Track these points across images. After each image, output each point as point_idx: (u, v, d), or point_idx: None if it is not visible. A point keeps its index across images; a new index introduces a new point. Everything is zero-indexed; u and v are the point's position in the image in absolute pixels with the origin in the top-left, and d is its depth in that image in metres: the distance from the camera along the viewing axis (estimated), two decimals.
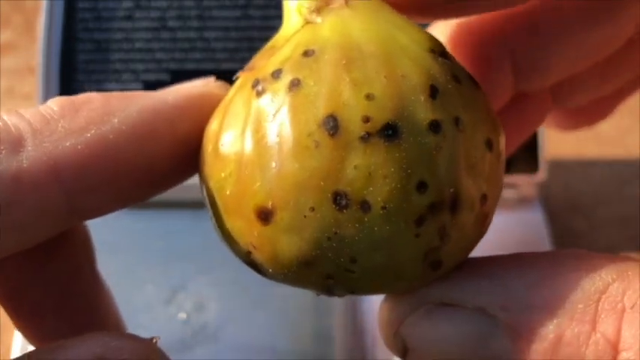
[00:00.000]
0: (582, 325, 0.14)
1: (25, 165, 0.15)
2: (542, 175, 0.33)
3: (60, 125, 0.15)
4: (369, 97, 0.14)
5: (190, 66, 0.33)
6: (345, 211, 0.14)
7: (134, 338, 0.15)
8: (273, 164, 0.14)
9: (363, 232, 0.14)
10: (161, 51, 0.33)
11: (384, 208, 0.14)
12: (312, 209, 0.14)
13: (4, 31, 0.45)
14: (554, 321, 0.14)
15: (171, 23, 0.33)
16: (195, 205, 0.33)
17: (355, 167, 0.14)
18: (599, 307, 0.14)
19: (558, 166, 0.39)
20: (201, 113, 0.16)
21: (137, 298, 0.31)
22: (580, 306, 0.14)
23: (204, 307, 0.30)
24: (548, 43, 0.20)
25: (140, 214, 0.33)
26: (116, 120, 0.16)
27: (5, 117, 0.15)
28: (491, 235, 0.34)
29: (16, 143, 0.15)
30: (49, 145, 0.15)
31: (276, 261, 0.15)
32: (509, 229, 0.33)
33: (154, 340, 0.15)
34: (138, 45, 0.33)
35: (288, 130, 0.14)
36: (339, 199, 0.14)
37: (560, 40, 0.20)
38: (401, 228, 0.14)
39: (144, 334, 0.32)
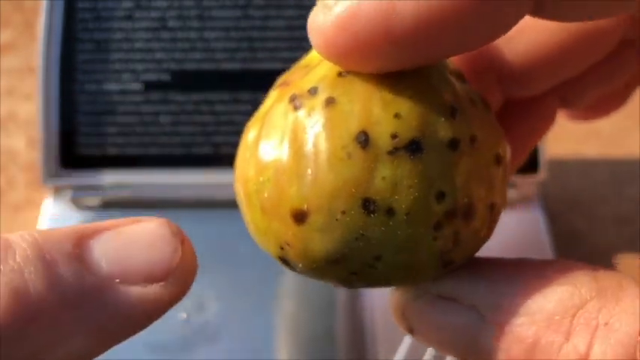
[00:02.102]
0: (557, 334, 0.15)
1: None
2: (542, 175, 0.33)
3: (7, 351, 0.14)
4: (396, 115, 0.16)
5: (190, 66, 0.33)
6: (372, 215, 0.16)
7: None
8: (309, 171, 0.16)
9: (388, 235, 0.16)
10: (161, 51, 0.33)
11: (407, 214, 0.16)
12: (344, 213, 0.16)
13: (4, 30, 0.45)
14: (533, 327, 0.16)
15: (171, 23, 0.33)
16: (196, 206, 0.33)
17: (383, 178, 0.16)
18: (575, 321, 0.15)
19: (558, 166, 0.39)
20: (152, 317, 0.16)
21: None
22: (557, 317, 0.15)
23: (204, 306, 0.30)
24: (528, 53, 0.21)
25: (141, 215, 0.33)
26: (62, 352, 0.15)
27: None
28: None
29: None
30: None
31: (308, 258, 0.17)
32: (510, 228, 0.33)
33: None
34: (138, 45, 0.33)
35: (324, 142, 0.16)
36: (367, 204, 0.16)
37: (541, 50, 0.21)
38: (421, 231, 0.16)
39: (144, 333, 0.32)
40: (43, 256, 0.15)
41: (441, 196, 0.16)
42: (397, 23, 0.15)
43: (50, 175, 0.33)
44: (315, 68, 0.17)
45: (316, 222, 0.16)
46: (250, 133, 0.17)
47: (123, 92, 0.33)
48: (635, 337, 0.14)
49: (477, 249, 0.17)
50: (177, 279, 0.16)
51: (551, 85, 0.23)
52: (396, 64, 0.16)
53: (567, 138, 0.41)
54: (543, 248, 0.33)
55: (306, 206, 0.16)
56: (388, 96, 0.16)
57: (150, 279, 0.15)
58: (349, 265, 0.16)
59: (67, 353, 0.15)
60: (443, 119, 0.16)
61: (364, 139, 0.16)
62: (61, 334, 0.15)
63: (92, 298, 0.15)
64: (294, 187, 0.16)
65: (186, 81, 0.33)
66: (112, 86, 0.33)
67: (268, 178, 0.16)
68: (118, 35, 0.33)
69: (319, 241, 0.16)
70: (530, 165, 0.33)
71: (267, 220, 0.17)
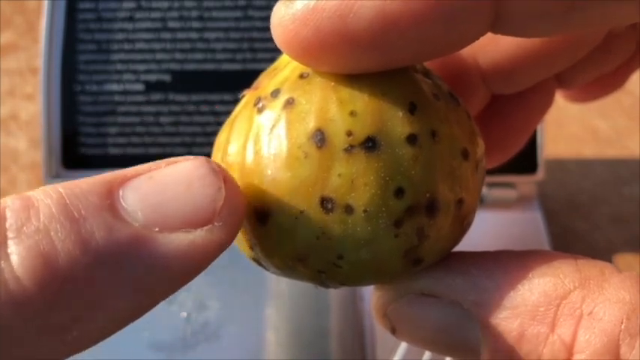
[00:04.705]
0: (542, 326, 0.15)
1: None
2: (540, 174, 0.34)
3: (38, 326, 0.13)
4: (352, 113, 0.16)
5: (191, 66, 0.33)
6: (330, 213, 0.16)
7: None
8: (269, 172, 0.16)
9: (348, 232, 0.16)
10: (162, 52, 0.33)
11: (365, 211, 0.16)
12: (302, 212, 0.16)
13: (6, 31, 0.45)
14: (518, 320, 0.16)
15: (171, 24, 0.33)
16: None
17: (339, 175, 0.16)
18: (559, 312, 0.15)
19: (557, 166, 0.39)
20: (200, 266, 0.14)
21: None
22: (541, 309, 0.15)
23: (205, 306, 0.31)
24: (509, 51, 0.22)
25: None
26: (102, 316, 0.13)
27: None
28: (490, 233, 0.34)
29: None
30: (25, 348, 0.13)
31: (274, 257, 0.17)
32: (508, 228, 0.33)
33: None
34: (139, 46, 0.33)
35: (281, 143, 0.16)
36: (325, 203, 0.16)
37: (523, 48, 0.21)
38: (381, 228, 0.16)
39: (145, 332, 0.32)
40: (71, 212, 0.13)
41: (399, 192, 0.16)
42: (354, 22, 0.15)
43: (52, 175, 0.33)
44: (281, 71, 0.17)
45: (277, 222, 0.16)
46: (221, 136, 0.18)
47: (124, 93, 0.33)
48: (618, 326, 0.15)
49: (451, 246, 0.17)
50: (225, 221, 0.14)
51: (539, 80, 0.23)
52: (357, 65, 0.16)
53: (566, 138, 0.41)
54: (542, 248, 0.33)
55: (267, 207, 0.16)
56: (346, 95, 0.16)
57: (193, 224, 0.14)
58: (314, 264, 0.16)
59: (109, 317, 0.13)
60: (400, 115, 0.16)
61: (320, 138, 0.16)
62: (99, 297, 0.13)
63: (130, 252, 0.13)
64: (256, 188, 0.16)
65: (186, 81, 0.33)
66: (114, 87, 0.33)
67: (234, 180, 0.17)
68: (119, 36, 0.33)
69: (282, 240, 0.16)
70: (529, 165, 0.33)
71: None
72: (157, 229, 0.14)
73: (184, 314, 0.30)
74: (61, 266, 0.13)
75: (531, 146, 0.33)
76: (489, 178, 0.33)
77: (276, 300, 0.31)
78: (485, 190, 0.34)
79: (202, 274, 0.32)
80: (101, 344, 0.15)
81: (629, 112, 0.41)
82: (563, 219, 0.37)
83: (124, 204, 0.14)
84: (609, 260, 0.35)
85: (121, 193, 0.14)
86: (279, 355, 0.29)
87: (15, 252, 0.13)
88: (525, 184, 0.34)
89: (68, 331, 0.13)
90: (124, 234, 0.13)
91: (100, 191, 0.14)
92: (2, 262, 0.13)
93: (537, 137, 0.33)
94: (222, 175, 0.15)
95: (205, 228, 0.14)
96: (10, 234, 0.13)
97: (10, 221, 0.13)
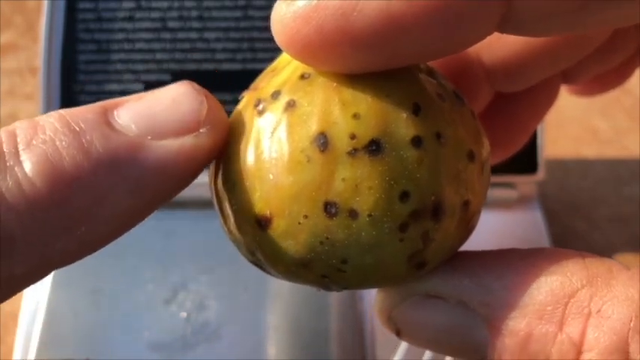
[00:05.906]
0: (550, 325, 0.15)
1: (17, 271, 0.14)
2: (541, 174, 0.34)
3: (50, 222, 0.14)
4: (355, 116, 0.16)
5: (191, 66, 0.33)
6: (334, 218, 0.15)
7: None
8: (271, 176, 0.16)
9: (352, 237, 0.16)
10: (162, 51, 0.33)
11: (370, 215, 0.15)
12: (306, 217, 0.16)
13: (6, 31, 0.45)
14: (525, 319, 0.15)
15: (171, 24, 0.33)
16: (196, 205, 0.34)
17: (343, 179, 0.15)
18: (567, 311, 0.15)
19: (557, 166, 0.39)
20: (191, 169, 0.16)
21: (138, 297, 0.31)
22: (549, 308, 0.15)
23: (204, 306, 0.31)
24: (515, 49, 0.22)
25: None
26: (107, 213, 0.15)
27: None
28: (491, 233, 0.34)
29: (8, 244, 0.14)
30: (40, 246, 0.14)
31: (276, 262, 0.17)
32: (509, 228, 0.33)
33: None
34: (139, 45, 0.33)
35: (283, 146, 0.16)
36: (329, 207, 0.15)
37: (529, 47, 0.21)
38: (385, 233, 0.16)
39: (145, 332, 0.32)
40: (72, 126, 0.15)
41: (404, 195, 0.15)
42: (358, 21, 0.15)
43: None
44: (281, 72, 0.17)
45: (280, 227, 0.16)
46: None
47: (124, 93, 0.33)
48: (627, 324, 0.15)
49: (455, 248, 0.17)
50: (209, 128, 0.16)
51: (544, 78, 0.22)
52: (360, 64, 0.16)
53: (566, 138, 0.41)
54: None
55: (269, 211, 0.16)
56: (348, 96, 0.16)
57: (181, 131, 0.16)
58: (318, 269, 0.16)
59: (114, 211, 0.15)
60: (405, 117, 0.16)
61: (323, 142, 0.15)
62: (102, 193, 0.15)
63: (127, 156, 0.15)
64: (257, 192, 0.16)
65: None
66: (113, 86, 0.33)
67: (234, 184, 0.16)
68: (119, 36, 0.33)
69: (284, 246, 0.16)
70: (530, 165, 0.33)
71: (237, 225, 0.17)
72: (149, 137, 0.15)
73: (184, 314, 0.30)
74: (67, 169, 0.15)
75: (531, 146, 0.33)
76: None
77: (276, 300, 0.31)
78: None
79: (202, 273, 0.32)
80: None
81: (629, 112, 0.41)
82: (563, 219, 0.37)
83: (119, 119, 0.16)
84: None
85: (115, 113, 0.16)
86: (279, 355, 0.29)
87: (27, 159, 0.15)
88: (525, 184, 0.34)
89: (77, 226, 0.15)
90: (120, 141, 0.15)
91: (97, 111, 0.16)
92: (16, 167, 0.14)
93: (537, 137, 0.33)
94: (203, 92, 0.16)
95: (192, 134, 0.16)
96: (21, 146, 0.15)
97: (20, 137, 0.15)
